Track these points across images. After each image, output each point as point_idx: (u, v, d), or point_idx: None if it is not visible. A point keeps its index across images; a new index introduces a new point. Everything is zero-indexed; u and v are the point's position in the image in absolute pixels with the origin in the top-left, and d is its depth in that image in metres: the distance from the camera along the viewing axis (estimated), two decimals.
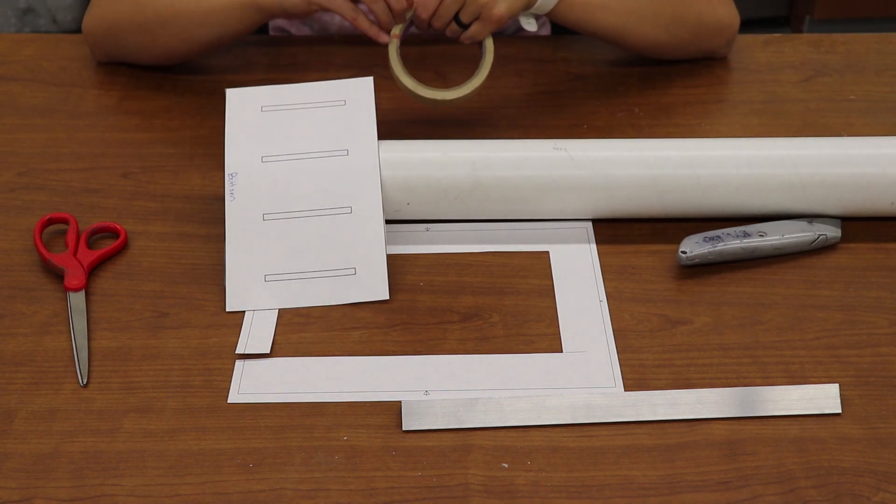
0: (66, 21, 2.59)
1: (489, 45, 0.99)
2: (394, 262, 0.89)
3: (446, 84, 1.07)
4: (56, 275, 0.89)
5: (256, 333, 0.83)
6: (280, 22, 1.36)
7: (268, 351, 0.82)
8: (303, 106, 0.92)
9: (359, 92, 0.93)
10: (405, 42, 1.00)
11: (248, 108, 0.92)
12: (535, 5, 1.00)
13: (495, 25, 0.97)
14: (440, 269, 0.90)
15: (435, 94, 0.98)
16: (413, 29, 1.01)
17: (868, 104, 1.11)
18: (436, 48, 1.17)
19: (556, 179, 0.90)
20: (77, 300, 0.86)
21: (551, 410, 0.76)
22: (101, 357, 0.81)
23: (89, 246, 0.91)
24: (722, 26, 1.12)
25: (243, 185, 0.89)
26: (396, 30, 0.98)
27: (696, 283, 0.88)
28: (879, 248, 0.92)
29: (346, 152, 0.90)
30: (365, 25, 0.99)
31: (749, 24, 1.17)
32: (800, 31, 2.68)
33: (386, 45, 0.99)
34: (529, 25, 1.02)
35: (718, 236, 0.89)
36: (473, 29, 0.97)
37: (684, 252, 0.87)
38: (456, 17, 0.97)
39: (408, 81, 0.97)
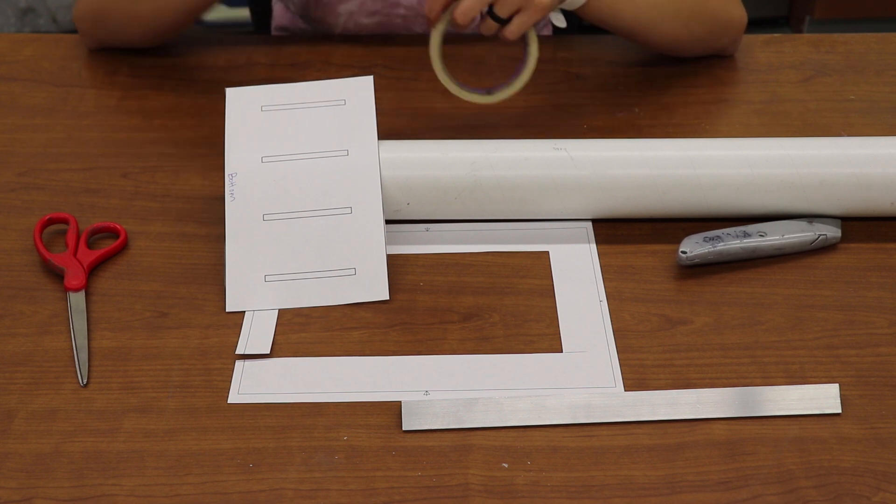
0: (66, 21, 2.59)
1: (533, 38, 0.97)
2: (394, 262, 0.89)
3: (485, 81, 1.03)
4: (56, 275, 0.89)
5: (256, 333, 0.83)
6: (282, 21, 1.36)
7: (268, 351, 0.82)
8: (303, 106, 0.92)
9: (359, 92, 0.93)
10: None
11: (248, 107, 0.92)
12: (568, 0, 1.00)
13: (541, 14, 0.94)
14: (440, 269, 0.90)
15: (475, 98, 0.98)
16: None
17: (868, 104, 1.11)
18: (469, 49, 1.17)
19: (556, 179, 0.90)
20: (77, 300, 0.86)
21: (551, 410, 0.76)
22: (101, 357, 0.81)
23: (89, 246, 0.91)
24: (733, 24, 1.14)
25: (243, 185, 0.89)
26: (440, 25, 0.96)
27: (696, 283, 0.88)
28: (879, 248, 0.92)
29: (346, 152, 0.90)
30: None
31: (749, 24, 1.17)
32: (800, 31, 2.69)
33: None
34: (558, 21, 1.02)
35: (718, 236, 0.89)
36: (516, 22, 0.94)
37: (684, 252, 0.87)
38: (491, 13, 0.94)
39: (449, 84, 0.97)
